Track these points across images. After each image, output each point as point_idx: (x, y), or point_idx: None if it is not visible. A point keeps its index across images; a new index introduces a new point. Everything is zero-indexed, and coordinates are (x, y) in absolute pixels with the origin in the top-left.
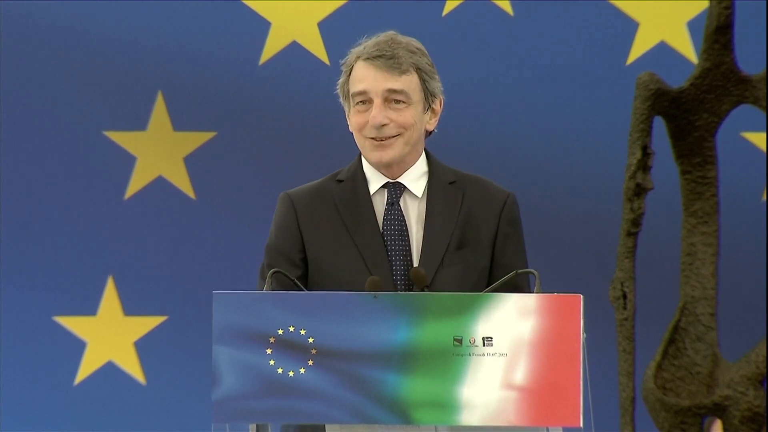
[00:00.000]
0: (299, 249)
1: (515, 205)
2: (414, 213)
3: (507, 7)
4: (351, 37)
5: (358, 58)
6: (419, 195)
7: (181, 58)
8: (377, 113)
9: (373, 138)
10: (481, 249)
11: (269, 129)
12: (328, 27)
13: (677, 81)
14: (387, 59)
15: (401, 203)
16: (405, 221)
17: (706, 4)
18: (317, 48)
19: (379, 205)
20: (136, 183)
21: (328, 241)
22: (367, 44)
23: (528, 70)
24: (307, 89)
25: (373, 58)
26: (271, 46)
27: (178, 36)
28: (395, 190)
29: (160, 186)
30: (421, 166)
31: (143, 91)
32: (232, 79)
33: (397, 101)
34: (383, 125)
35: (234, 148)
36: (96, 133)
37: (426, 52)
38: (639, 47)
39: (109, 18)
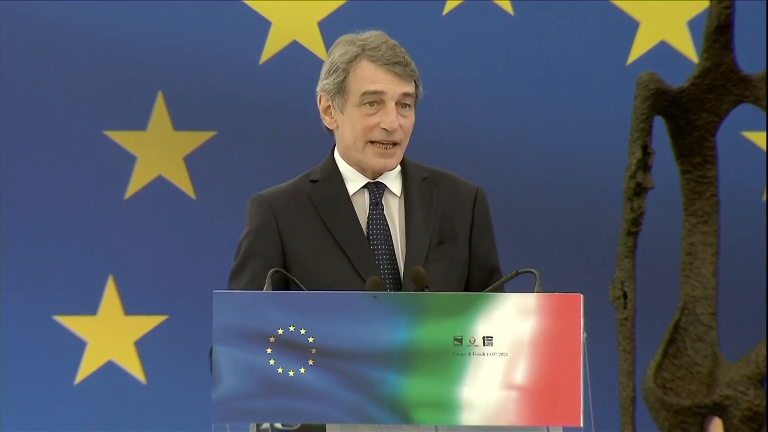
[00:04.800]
0: (280, 253)
1: (485, 198)
2: (395, 211)
3: (507, 7)
4: None
5: (361, 56)
6: (398, 194)
7: (181, 58)
8: (394, 117)
9: (380, 143)
10: (461, 242)
11: (269, 129)
12: (328, 27)
13: (677, 81)
14: (403, 66)
15: (383, 202)
16: (388, 223)
17: (706, 4)
18: (317, 48)
19: (360, 205)
20: (136, 183)
21: (310, 244)
22: (375, 43)
23: (528, 70)
24: (307, 89)
25: (392, 64)
26: (271, 46)
27: (178, 36)
28: (377, 190)
29: (160, 186)
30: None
31: (143, 91)
32: (232, 79)
33: (405, 105)
34: (395, 130)
35: (234, 148)
36: (96, 133)
37: None
38: (639, 47)
39: (109, 18)
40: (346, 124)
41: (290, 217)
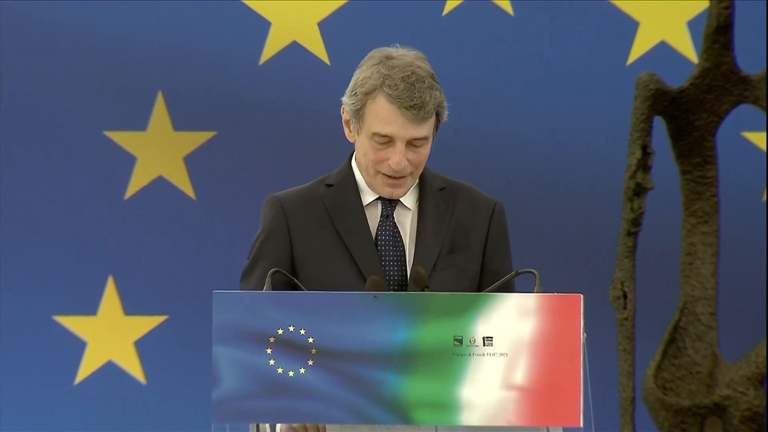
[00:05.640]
0: (289, 255)
1: (503, 212)
2: (407, 222)
3: (507, 7)
4: (351, 37)
5: (379, 90)
6: (411, 206)
7: (181, 58)
8: (400, 158)
9: (386, 175)
10: (472, 254)
11: (269, 129)
12: (328, 27)
13: (677, 81)
14: (418, 110)
15: (395, 215)
16: (399, 232)
17: (706, 4)
18: (317, 48)
19: (372, 214)
20: (136, 183)
21: (319, 247)
22: (393, 77)
23: (528, 70)
24: (307, 89)
25: (407, 108)
26: (271, 46)
27: (178, 36)
28: (389, 203)
29: (160, 186)
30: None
31: (143, 91)
32: (232, 79)
33: (417, 145)
34: (400, 170)
35: (234, 148)
36: (96, 133)
37: (431, 69)
38: (639, 47)
39: (109, 18)
40: (360, 149)
41: (302, 220)
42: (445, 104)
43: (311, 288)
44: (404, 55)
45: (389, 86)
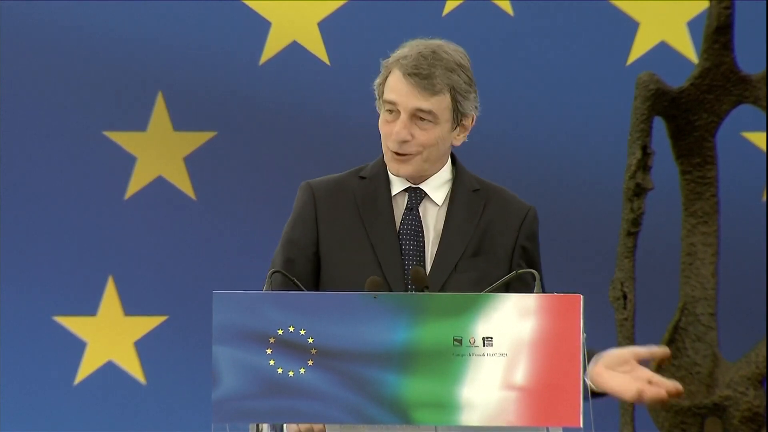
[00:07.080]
0: (314, 242)
1: (536, 219)
2: (432, 219)
3: (507, 7)
4: (351, 37)
5: (396, 63)
6: (440, 202)
7: (181, 58)
8: (401, 128)
9: (393, 151)
10: (497, 259)
11: (269, 129)
12: (328, 27)
13: (677, 81)
14: (421, 78)
15: (420, 209)
16: (422, 226)
17: (706, 4)
18: (317, 48)
19: (399, 207)
20: (136, 183)
21: (343, 237)
22: (411, 52)
23: (528, 70)
24: (307, 89)
25: (410, 74)
26: (271, 46)
27: (178, 36)
28: (415, 195)
29: (160, 186)
30: (444, 174)
31: (143, 91)
32: (232, 79)
33: (424, 119)
34: (404, 141)
35: (234, 148)
36: (96, 133)
37: (468, 66)
38: (639, 47)
39: (109, 18)
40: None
41: (331, 208)
42: (471, 97)
43: (333, 278)
44: (442, 45)
45: (403, 57)
